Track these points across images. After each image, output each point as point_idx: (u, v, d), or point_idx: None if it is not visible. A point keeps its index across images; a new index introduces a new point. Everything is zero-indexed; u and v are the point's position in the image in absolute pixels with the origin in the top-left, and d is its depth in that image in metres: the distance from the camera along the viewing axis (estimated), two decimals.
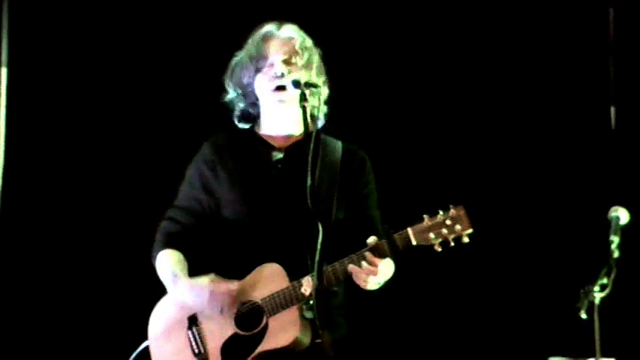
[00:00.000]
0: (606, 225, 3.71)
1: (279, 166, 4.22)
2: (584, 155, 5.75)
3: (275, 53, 4.25)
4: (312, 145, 3.85)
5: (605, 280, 3.55)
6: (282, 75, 4.21)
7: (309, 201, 3.77)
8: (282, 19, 4.39)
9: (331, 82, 4.39)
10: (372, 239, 3.93)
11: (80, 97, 5.97)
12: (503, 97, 5.87)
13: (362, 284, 3.97)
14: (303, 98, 4.01)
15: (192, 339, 4.17)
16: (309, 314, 3.98)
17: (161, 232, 4.35)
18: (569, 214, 5.68)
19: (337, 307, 4.17)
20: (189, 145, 5.64)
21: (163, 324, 4.27)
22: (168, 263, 4.29)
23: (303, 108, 3.98)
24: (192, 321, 4.19)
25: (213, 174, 4.30)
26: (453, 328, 5.78)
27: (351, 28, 5.86)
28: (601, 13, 5.82)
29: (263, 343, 4.01)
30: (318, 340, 3.89)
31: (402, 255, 3.96)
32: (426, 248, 3.86)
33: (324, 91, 4.35)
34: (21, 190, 5.92)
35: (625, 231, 3.70)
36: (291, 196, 4.08)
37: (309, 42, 4.31)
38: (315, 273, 3.65)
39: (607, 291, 3.54)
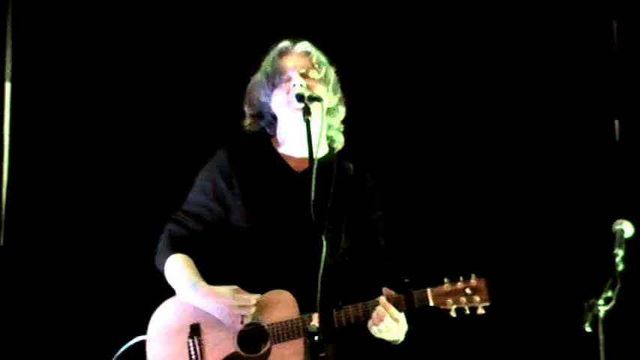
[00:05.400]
0: (611, 238, 3.70)
1: (295, 187, 4.18)
2: (588, 167, 5.74)
3: (292, 68, 4.23)
4: (315, 158, 3.87)
5: (609, 294, 3.54)
6: (301, 86, 4.17)
7: (312, 214, 3.78)
8: (293, 35, 4.38)
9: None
10: (388, 291, 3.94)
11: (84, 112, 5.97)
12: (507, 108, 5.87)
13: (374, 330, 3.97)
14: (306, 112, 4.01)
15: (191, 348, 4.12)
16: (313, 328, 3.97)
17: (168, 235, 4.30)
18: (573, 227, 5.67)
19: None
20: (189, 151, 5.70)
21: (164, 326, 4.22)
22: (182, 268, 4.23)
23: (307, 122, 3.98)
24: (195, 330, 4.15)
25: (227, 184, 4.25)
26: (459, 340, 5.77)
27: (363, 50, 5.88)
28: (604, 24, 5.83)
29: None
30: (322, 355, 3.88)
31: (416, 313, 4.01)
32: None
33: (341, 110, 4.34)
34: (26, 202, 5.92)
35: (629, 244, 3.69)
36: (303, 218, 4.03)
37: (324, 58, 4.30)
38: (319, 285, 3.66)
39: (611, 304, 3.53)
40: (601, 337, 3.51)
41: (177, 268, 4.23)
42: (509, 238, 5.74)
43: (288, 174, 4.26)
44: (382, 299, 3.92)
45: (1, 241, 5.89)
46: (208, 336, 4.13)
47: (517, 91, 5.87)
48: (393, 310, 3.91)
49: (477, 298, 3.86)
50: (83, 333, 5.84)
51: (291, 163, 4.27)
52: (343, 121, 4.38)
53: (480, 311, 3.88)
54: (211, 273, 4.23)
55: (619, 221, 3.74)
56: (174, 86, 5.97)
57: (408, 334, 4.24)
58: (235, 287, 4.08)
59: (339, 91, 4.33)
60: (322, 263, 3.71)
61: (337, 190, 4.13)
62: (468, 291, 3.86)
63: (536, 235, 5.74)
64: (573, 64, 5.84)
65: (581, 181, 5.74)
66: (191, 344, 4.14)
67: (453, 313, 3.89)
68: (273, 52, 4.31)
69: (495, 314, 5.70)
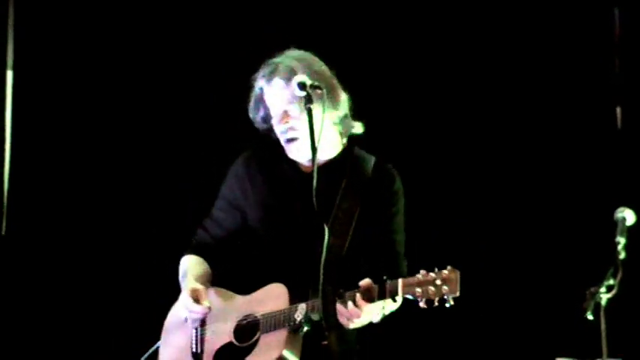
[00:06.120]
0: (612, 226, 3.71)
1: (303, 187, 4.14)
2: (590, 156, 5.75)
3: (273, 106, 4.28)
4: (316, 146, 3.87)
5: (611, 281, 3.54)
6: (286, 130, 4.23)
7: (314, 204, 3.79)
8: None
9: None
10: (365, 281, 3.96)
11: (86, 100, 5.97)
12: (509, 98, 5.88)
13: (344, 323, 4.00)
14: (307, 100, 4.01)
15: (194, 338, 4.29)
16: (308, 326, 4.03)
17: (193, 240, 4.50)
18: (575, 215, 5.68)
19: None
20: (190, 146, 5.71)
21: (178, 317, 4.38)
22: (184, 265, 4.44)
23: (308, 110, 3.98)
24: (201, 321, 4.30)
25: (241, 190, 4.39)
26: (460, 329, 5.78)
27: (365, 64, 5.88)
28: (606, 13, 5.82)
29: (250, 356, 4.11)
30: (325, 342, 3.90)
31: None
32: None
33: (340, 106, 4.29)
34: (27, 192, 5.93)
35: (631, 232, 3.69)
36: (310, 218, 4.06)
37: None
38: (321, 273, 3.68)
39: (613, 292, 3.54)
40: (603, 325, 3.52)
41: (183, 265, 4.45)
42: (511, 227, 5.75)
43: (298, 175, 4.30)
44: (358, 300, 3.94)
45: (3, 231, 5.90)
46: (210, 327, 4.28)
47: (519, 80, 5.86)
48: (365, 308, 3.94)
49: (446, 288, 3.80)
50: (83, 323, 5.87)
51: (302, 167, 4.33)
52: (346, 117, 4.35)
53: (450, 302, 3.84)
54: (231, 271, 4.41)
55: (621, 209, 3.74)
56: (175, 76, 5.98)
57: (407, 329, 4.31)
58: (196, 290, 4.24)
59: (332, 90, 4.26)
60: (325, 250, 3.72)
61: (349, 187, 4.21)
62: (438, 282, 3.82)
63: (539, 223, 5.75)
64: (575, 53, 5.84)
65: (583, 169, 5.74)
66: (194, 335, 4.29)
67: (423, 304, 3.86)
68: (257, 83, 4.32)
69: (498, 302, 5.75)
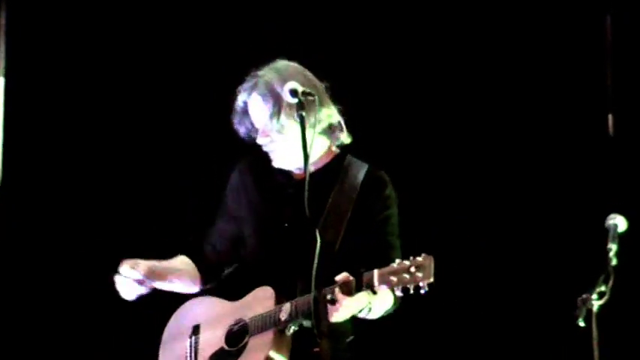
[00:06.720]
0: (604, 233, 3.72)
1: (294, 193, 4.22)
2: (581, 162, 5.75)
3: (255, 120, 4.32)
4: (308, 154, 3.88)
5: (603, 288, 3.55)
6: (267, 143, 4.28)
7: (306, 210, 3.80)
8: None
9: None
10: (342, 275, 3.97)
11: (78, 107, 5.98)
12: (501, 103, 5.88)
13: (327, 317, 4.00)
14: (300, 107, 4.01)
15: (188, 348, 4.33)
16: (295, 325, 4.06)
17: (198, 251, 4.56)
18: (566, 222, 5.68)
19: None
20: (180, 147, 5.70)
21: (175, 329, 4.45)
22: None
23: (301, 117, 3.98)
24: (195, 330, 4.35)
25: (236, 200, 4.45)
26: (453, 336, 5.78)
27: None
28: (598, 19, 5.83)
29: (238, 359, 4.15)
30: (316, 349, 3.90)
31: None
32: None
33: (324, 115, 4.28)
34: (19, 199, 5.93)
35: (623, 239, 3.70)
36: (300, 224, 4.07)
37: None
38: (313, 277, 3.69)
39: (605, 299, 3.54)
40: (594, 331, 3.53)
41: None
42: (502, 234, 5.75)
43: (289, 181, 4.34)
44: (337, 294, 3.94)
45: None
46: (204, 335, 4.32)
47: (511, 86, 5.87)
48: (344, 302, 3.95)
49: (420, 275, 3.80)
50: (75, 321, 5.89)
51: (294, 175, 4.35)
52: (331, 127, 4.35)
53: (425, 289, 3.84)
54: (225, 278, 4.49)
55: (612, 216, 3.75)
56: (170, 82, 5.99)
57: (401, 338, 4.29)
58: (141, 263, 4.32)
59: (316, 111, 4.24)
60: (317, 257, 3.73)
61: (341, 192, 4.24)
62: (412, 269, 3.84)
63: (530, 230, 5.75)
64: (567, 60, 5.85)
65: (575, 176, 5.75)
66: (189, 344, 4.34)
67: (399, 293, 3.87)
68: (240, 97, 4.34)
69: (490, 309, 5.75)
